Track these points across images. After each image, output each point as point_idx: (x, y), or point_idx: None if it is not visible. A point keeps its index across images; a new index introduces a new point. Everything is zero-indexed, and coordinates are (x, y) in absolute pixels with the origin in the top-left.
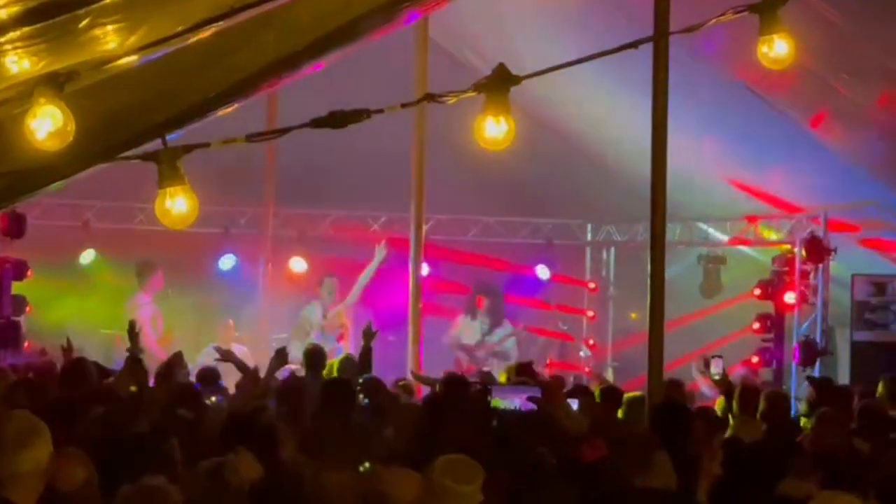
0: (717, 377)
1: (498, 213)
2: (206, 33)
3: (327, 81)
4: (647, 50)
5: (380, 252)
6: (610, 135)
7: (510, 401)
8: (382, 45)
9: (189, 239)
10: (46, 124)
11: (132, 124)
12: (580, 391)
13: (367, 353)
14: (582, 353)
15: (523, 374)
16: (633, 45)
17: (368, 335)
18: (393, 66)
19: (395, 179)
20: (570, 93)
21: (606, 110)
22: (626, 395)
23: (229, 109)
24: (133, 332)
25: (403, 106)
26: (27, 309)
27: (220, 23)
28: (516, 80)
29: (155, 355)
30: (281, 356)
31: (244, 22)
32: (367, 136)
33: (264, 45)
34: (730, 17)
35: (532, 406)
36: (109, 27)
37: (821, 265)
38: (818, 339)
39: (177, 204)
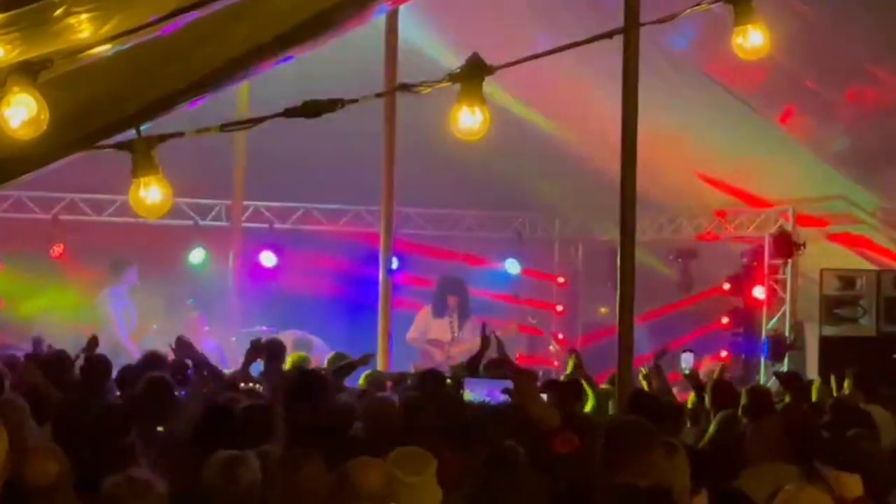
0: (686, 371)
1: (467, 207)
2: (178, 23)
3: (298, 75)
4: (617, 45)
5: None
6: (579, 129)
7: (480, 393)
8: (353, 39)
9: (159, 232)
10: (20, 113)
11: (103, 115)
12: (550, 385)
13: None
14: (551, 348)
15: (496, 368)
16: (607, 35)
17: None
18: (364, 60)
19: (366, 173)
20: (540, 87)
21: (576, 104)
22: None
23: (200, 101)
24: (93, 343)
25: (378, 95)
26: None
27: (194, 12)
28: (490, 69)
29: (128, 350)
30: (257, 349)
31: (216, 13)
32: (339, 129)
33: (236, 36)
34: (705, 7)
35: (504, 398)
36: (84, 16)
37: (790, 260)
38: (787, 334)
39: (151, 193)
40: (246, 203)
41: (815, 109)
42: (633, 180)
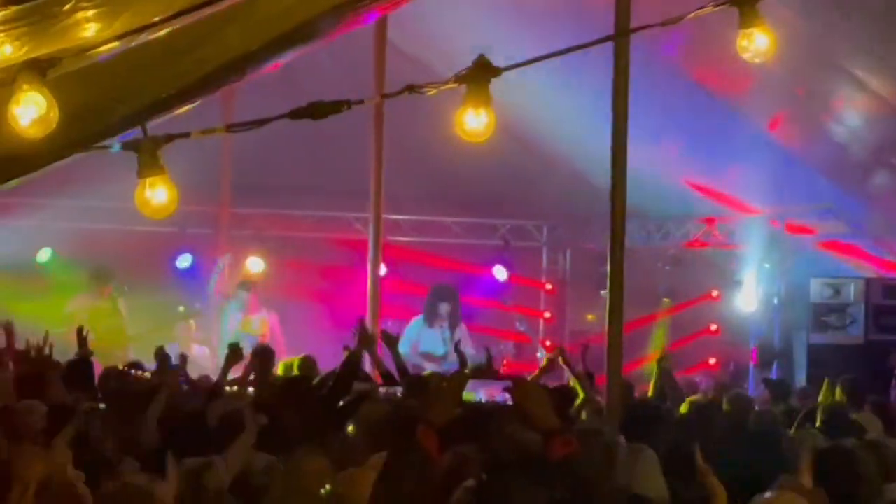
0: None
1: (455, 214)
2: (177, 25)
3: (284, 82)
4: (605, 53)
5: None
6: (567, 136)
7: (477, 393)
8: (340, 45)
9: (146, 238)
10: (30, 111)
11: (97, 118)
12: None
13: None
14: (539, 355)
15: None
16: (607, 39)
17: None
18: (351, 66)
19: (354, 179)
20: (528, 95)
21: (564, 112)
22: None
23: (189, 106)
24: (81, 336)
25: (383, 97)
26: None
27: (193, 14)
28: (496, 71)
29: None
30: (235, 353)
31: (210, 16)
32: (327, 136)
33: (229, 39)
34: (709, 9)
35: (505, 397)
36: (91, 12)
37: (779, 267)
38: (776, 342)
39: (157, 194)
40: (232, 209)
41: (803, 117)
42: (624, 187)
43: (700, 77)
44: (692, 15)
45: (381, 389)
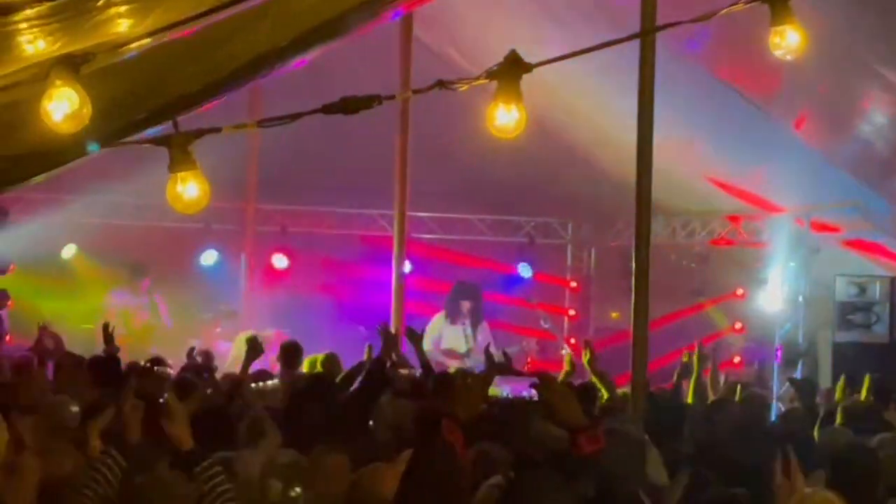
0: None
1: (480, 211)
2: (209, 20)
3: (309, 79)
4: (631, 50)
5: None
6: (592, 133)
7: (501, 388)
8: (366, 41)
9: (170, 234)
10: (63, 107)
11: (125, 113)
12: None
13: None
14: (563, 352)
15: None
16: (633, 38)
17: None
18: (376, 63)
19: (379, 176)
20: (553, 92)
21: (589, 109)
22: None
23: (214, 102)
24: (107, 333)
25: (415, 92)
26: (9, 303)
27: (228, 9)
28: (528, 67)
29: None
30: (255, 347)
31: (240, 12)
32: (352, 133)
33: (259, 35)
34: (741, 6)
35: (531, 393)
36: (123, 8)
37: (804, 266)
38: (800, 340)
39: (188, 189)
40: (258, 205)
41: (829, 115)
42: (649, 185)
43: (726, 75)
44: (724, 11)
45: (403, 371)
